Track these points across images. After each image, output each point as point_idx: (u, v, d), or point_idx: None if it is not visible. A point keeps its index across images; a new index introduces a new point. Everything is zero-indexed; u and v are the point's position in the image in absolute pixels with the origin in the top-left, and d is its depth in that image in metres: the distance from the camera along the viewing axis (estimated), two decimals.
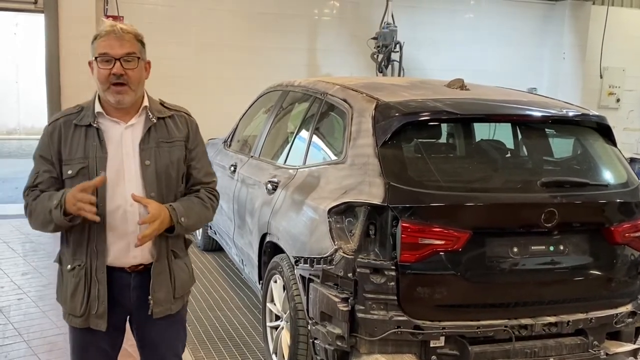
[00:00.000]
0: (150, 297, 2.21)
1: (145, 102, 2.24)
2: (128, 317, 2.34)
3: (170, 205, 2.17)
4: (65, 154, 2.15)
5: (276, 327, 3.56)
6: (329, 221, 2.90)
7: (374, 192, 2.78)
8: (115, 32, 2.09)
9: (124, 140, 2.19)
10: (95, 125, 2.16)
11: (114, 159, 2.16)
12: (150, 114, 2.23)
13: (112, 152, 2.16)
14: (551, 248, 2.92)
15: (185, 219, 2.19)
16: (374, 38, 8.26)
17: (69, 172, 2.14)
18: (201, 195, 2.32)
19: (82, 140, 2.15)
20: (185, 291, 2.38)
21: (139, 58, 2.14)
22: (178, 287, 2.30)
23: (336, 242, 2.84)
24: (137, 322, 2.33)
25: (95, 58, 2.11)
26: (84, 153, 2.14)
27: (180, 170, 2.27)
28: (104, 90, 2.13)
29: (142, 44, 2.18)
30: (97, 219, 2.05)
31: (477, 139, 3.64)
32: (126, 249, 2.18)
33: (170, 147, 2.24)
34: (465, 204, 2.78)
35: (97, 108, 2.18)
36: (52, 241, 6.12)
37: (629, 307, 3.07)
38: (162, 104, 2.32)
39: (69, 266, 2.18)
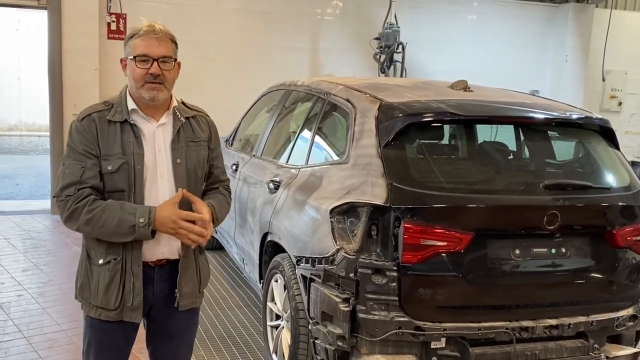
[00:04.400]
0: (177, 290, 2.25)
1: (175, 102, 2.28)
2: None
3: (209, 203, 2.25)
4: (104, 149, 2.13)
5: (277, 327, 3.56)
6: (331, 221, 2.90)
7: (376, 193, 2.78)
8: (155, 32, 2.12)
9: (156, 139, 2.21)
10: (130, 121, 2.17)
11: (148, 156, 2.18)
12: (178, 113, 2.27)
13: (147, 149, 2.18)
14: (553, 250, 2.92)
15: (219, 216, 2.32)
16: (377, 38, 8.24)
17: (109, 167, 2.12)
18: (223, 192, 2.43)
19: (118, 136, 2.14)
20: (206, 285, 2.45)
21: (175, 60, 2.18)
22: (203, 281, 2.39)
23: (338, 242, 2.83)
24: (157, 316, 2.33)
25: (134, 57, 2.12)
26: (121, 149, 2.14)
27: (205, 169, 2.34)
28: (138, 87, 2.14)
29: (176, 45, 2.21)
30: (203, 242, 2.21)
31: (480, 140, 3.64)
32: (156, 244, 2.20)
33: (197, 146, 2.29)
34: (467, 206, 2.78)
35: (131, 105, 2.18)
36: (52, 238, 6.14)
37: (630, 311, 3.07)
38: (183, 103, 2.35)
39: (101, 260, 2.17)
